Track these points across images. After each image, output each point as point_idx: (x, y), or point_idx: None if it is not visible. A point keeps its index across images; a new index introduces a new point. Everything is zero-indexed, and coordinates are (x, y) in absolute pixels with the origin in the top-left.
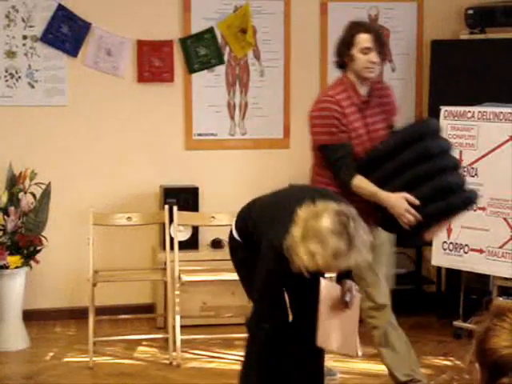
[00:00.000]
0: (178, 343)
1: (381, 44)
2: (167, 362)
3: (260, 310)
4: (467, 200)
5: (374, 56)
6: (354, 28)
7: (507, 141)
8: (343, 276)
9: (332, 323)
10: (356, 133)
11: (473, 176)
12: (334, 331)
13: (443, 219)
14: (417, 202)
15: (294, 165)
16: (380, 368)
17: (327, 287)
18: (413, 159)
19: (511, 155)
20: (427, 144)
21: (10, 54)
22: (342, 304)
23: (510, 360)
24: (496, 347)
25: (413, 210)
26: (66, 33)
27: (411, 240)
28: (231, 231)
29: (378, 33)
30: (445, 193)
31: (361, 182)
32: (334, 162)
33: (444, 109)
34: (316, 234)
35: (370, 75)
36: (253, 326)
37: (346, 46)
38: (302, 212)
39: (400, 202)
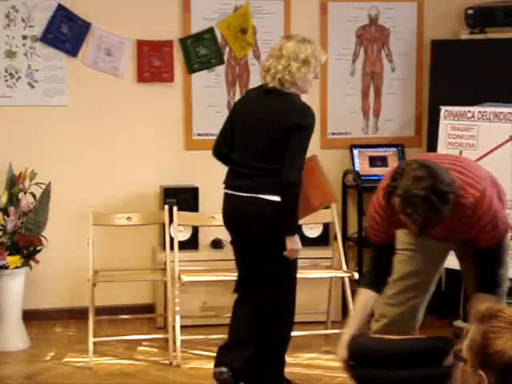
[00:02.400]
0: (178, 343)
1: None
2: (167, 361)
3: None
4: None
5: None
6: None
7: (507, 141)
8: None
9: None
10: None
11: None
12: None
13: None
14: None
15: None
16: None
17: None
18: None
19: (511, 155)
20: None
21: (10, 54)
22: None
23: None
24: (503, 348)
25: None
26: (66, 33)
27: None
28: None
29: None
30: None
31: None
32: None
33: (444, 109)
34: None
35: None
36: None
37: None
38: None
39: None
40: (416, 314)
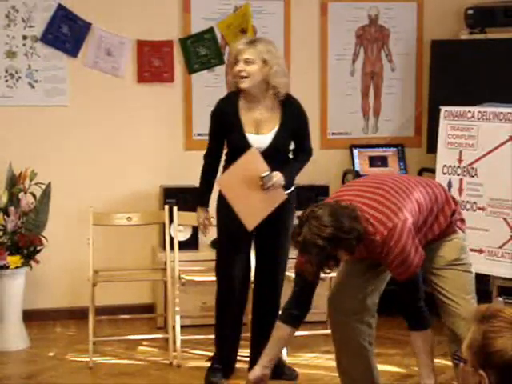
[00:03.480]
0: (178, 343)
1: None
2: (167, 361)
3: None
4: None
5: None
6: None
7: (507, 141)
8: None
9: (242, 190)
10: None
11: (473, 176)
12: (242, 198)
13: None
14: None
15: None
16: (380, 368)
17: (253, 154)
18: None
19: (511, 155)
20: None
21: (10, 54)
22: (259, 181)
23: None
24: (503, 348)
25: None
26: (66, 33)
27: None
28: None
29: None
30: None
31: None
32: None
33: (444, 109)
34: None
35: None
36: None
37: None
38: None
39: None
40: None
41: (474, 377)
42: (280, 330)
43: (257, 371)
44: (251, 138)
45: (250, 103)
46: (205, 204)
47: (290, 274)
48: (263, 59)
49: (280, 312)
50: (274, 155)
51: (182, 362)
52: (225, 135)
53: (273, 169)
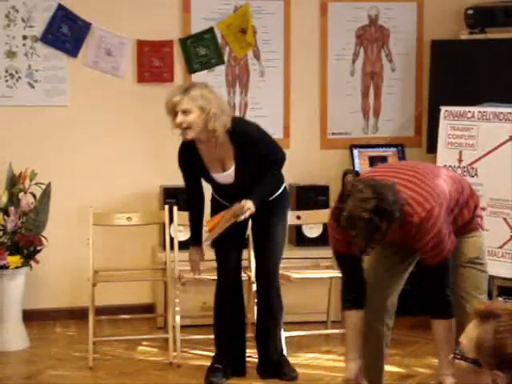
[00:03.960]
0: (178, 343)
1: None
2: (167, 361)
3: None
4: None
5: None
6: None
7: (507, 141)
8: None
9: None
10: None
11: (473, 176)
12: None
13: None
14: None
15: (294, 165)
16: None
17: (232, 210)
18: None
19: (511, 155)
20: None
21: (10, 54)
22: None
23: None
24: None
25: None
26: (66, 33)
27: None
28: None
29: None
30: None
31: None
32: None
33: (444, 109)
34: None
35: None
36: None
37: None
38: None
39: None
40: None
41: (484, 376)
42: (350, 317)
43: (352, 367)
44: (218, 176)
45: (205, 145)
46: (197, 243)
47: (290, 273)
48: (199, 106)
49: (341, 302)
50: (244, 182)
51: (181, 362)
52: (197, 175)
53: (246, 190)
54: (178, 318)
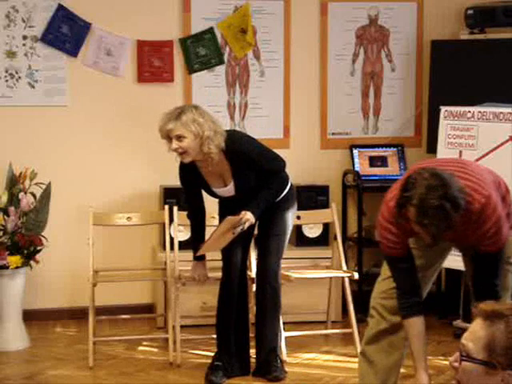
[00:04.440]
0: (178, 343)
1: None
2: (167, 362)
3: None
4: None
5: None
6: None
7: (507, 141)
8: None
9: (215, 239)
10: None
11: None
12: (213, 244)
13: None
14: None
15: (294, 165)
16: None
17: (226, 221)
18: None
19: (511, 155)
20: None
21: (10, 54)
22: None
23: None
24: None
25: None
26: (66, 33)
27: None
28: None
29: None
30: None
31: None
32: None
33: (444, 109)
34: None
35: None
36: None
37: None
38: None
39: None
40: None
41: (493, 376)
42: (413, 326)
43: (424, 377)
44: (219, 191)
45: (203, 163)
46: (199, 257)
47: (290, 273)
48: (192, 131)
49: (399, 311)
50: (246, 195)
51: (182, 362)
52: (199, 190)
53: (248, 200)
54: (177, 318)
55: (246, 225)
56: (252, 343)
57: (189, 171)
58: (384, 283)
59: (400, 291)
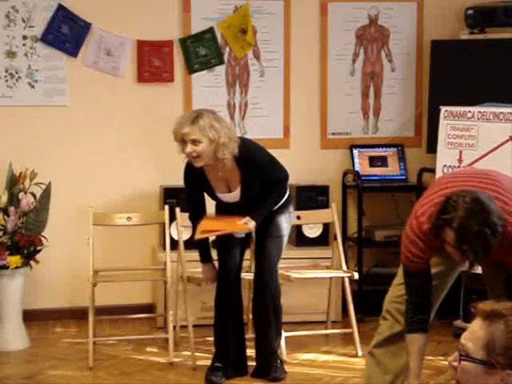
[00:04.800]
0: (192, 344)
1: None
2: (167, 362)
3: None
4: None
5: None
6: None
7: (507, 141)
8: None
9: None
10: None
11: None
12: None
13: None
14: None
15: (294, 165)
16: None
17: (236, 227)
18: None
19: (511, 155)
20: None
21: (10, 54)
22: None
23: None
24: None
25: None
26: (66, 33)
27: None
28: None
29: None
30: None
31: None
32: None
33: (444, 109)
34: None
35: None
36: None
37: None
38: None
39: None
40: None
41: (492, 376)
42: (415, 342)
43: None
44: (223, 196)
45: (211, 168)
46: (207, 259)
47: (290, 273)
48: (208, 136)
49: (405, 324)
50: (249, 202)
51: (181, 362)
52: (202, 194)
53: (249, 208)
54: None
55: (246, 231)
56: (252, 343)
57: (195, 174)
58: (400, 287)
59: (410, 305)
